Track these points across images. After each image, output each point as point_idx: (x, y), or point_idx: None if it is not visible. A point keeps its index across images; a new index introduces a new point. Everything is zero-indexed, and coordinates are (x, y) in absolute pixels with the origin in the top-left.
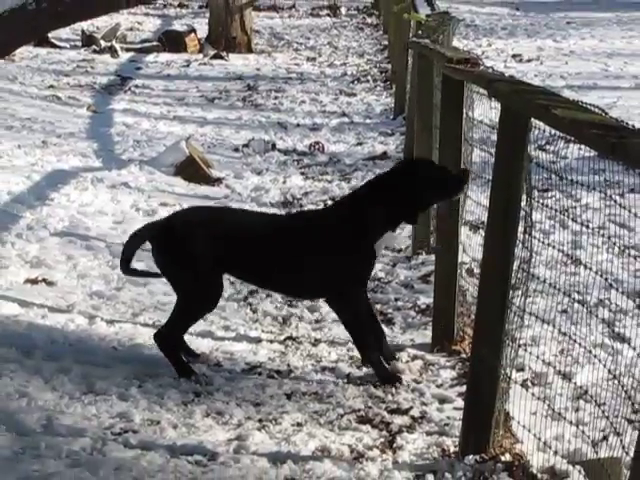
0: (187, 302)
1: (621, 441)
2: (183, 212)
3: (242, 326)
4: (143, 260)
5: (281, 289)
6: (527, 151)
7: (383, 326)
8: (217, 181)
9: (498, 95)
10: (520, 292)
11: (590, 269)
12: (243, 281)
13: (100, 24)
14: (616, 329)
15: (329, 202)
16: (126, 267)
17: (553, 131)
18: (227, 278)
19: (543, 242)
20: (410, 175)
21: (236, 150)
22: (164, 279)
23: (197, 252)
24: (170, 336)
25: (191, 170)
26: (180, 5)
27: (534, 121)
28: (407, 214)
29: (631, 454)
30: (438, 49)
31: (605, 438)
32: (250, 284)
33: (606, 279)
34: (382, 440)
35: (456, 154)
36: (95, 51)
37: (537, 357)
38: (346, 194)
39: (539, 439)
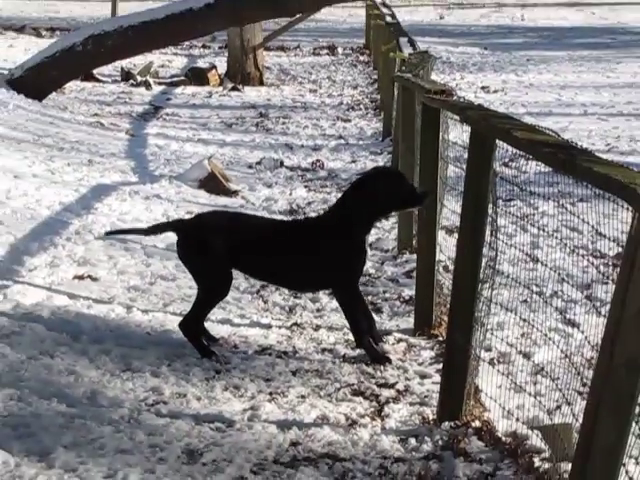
0: (205, 292)
1: (572, 410)
2: (206, 214)
3: (255, 314)
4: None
5: (286, 284)
6: (493, 167)
7: (373, 314)
8: (234, 193)
9: (469, 120)
10: (488, 285)
11: (546, 266)
12: (253, 277)
13: (136, 62)
14: (568, 316)
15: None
16: (143, 231)
17: (515, 150)
18: (243, 275)
19: (507, 243)
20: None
21: (250, 167)
22: (188, 274)
23: (215, 249)
24: (192, 323)
25: (212, 184)
26: (203, 46)
27: (499, 142)
28: (383, 212)
29: (580, 421)
30: (418, 82)
31: (559, 407)
32: (258, 280)
33: (559, 274)
34: (372, 410)
35: (434, 170)
36: (132, 85)
37: (502, 339)
38: (333, 203)
39: (504, 408)
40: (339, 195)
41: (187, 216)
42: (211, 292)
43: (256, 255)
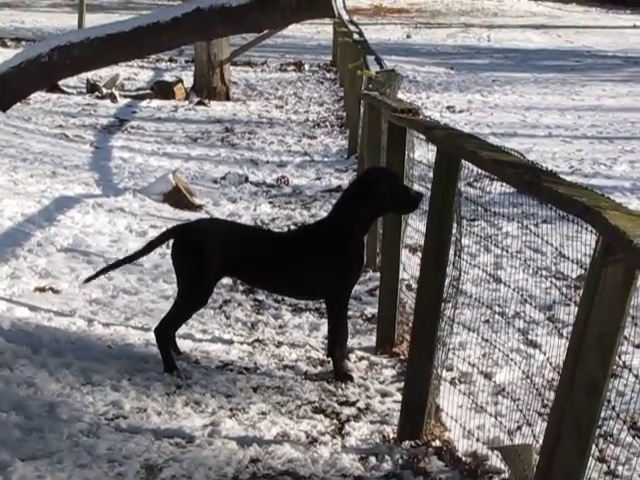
0: (187, 299)
1: (532, 430)
2: (206, 220)
3: (217, 330)
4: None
5: (285, 291)
6: (458, 187)
7: None
8: (198, 207)
9: (435, 140)
10: (450, 304)
11: (509, 286)
12: (250, 285)
13: (102, 74)
14: (529, 337)
15: (292, 227)
16: (137, 256)
17: (480, 170)
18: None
19: (470, 263)
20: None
21: (215, 182)
22: (151, 288)
23: (212, 255)
24: (167, 330)
25: (177, 198)
26: (170, 60)
27: (464, 162)
28: (380, 213)
29: (540, 442)
30: (385, 100)
31: (519, 428)
32: (256, 287)
33: (522, 295)
34: (333, 427)
35: None
36: (98, 97)
37: (464, 359)
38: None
39: (464, 428)
40: (303, 212)
41: (151, 230)
42: (193, 299)
43: (255, 263)
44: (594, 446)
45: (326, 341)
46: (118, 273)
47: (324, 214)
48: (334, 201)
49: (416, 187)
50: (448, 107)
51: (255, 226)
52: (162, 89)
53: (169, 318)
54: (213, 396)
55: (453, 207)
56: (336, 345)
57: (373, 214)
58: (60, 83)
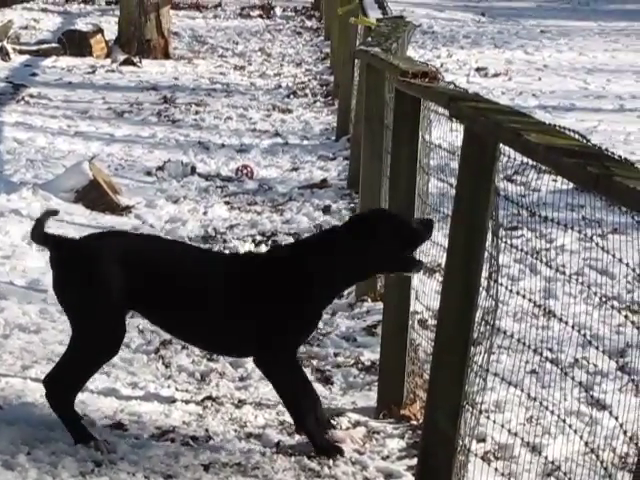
0: (85, 345)
1: None
2: (98, 234)
3: (152, 383)
4: None
5: (200, 341)
6: (494, 182)
7: (320, 387)
8: (125, 210)
9: (461, 116)
10: (483, 348)
11: (565, 322)
12: (158, 326)
13: None
14: (594, 394)
15: (258, 237)
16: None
17: (525, 159)
18: (135, 326)
19: (510, 290)
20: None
21: (149, 174)
22: (58, 324)
23: (108, 281)
24: (62, 386)
25: (94, 196)
26: (84, 0)
27: (502, 147)
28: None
29: None
30: (390, 60)
31: None
32: (165, 331)
33: (583, 335)
34: None
35: (410, 184)
36: None
37: (501, 426)
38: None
39: None
40: (273, 216)
41: None
42: (93, 346)
43: (166, 296)
44: None
45: None
46: (12, 303)
47: (303, 219)
48: (317, 201)
49: (434, 182)
50: (478, 69)
51: (177, 241)
52: (74, 42)
53: (63, 372)
54: (147, 477)
55: (487, 211)
56: (299, 415)
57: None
58: None
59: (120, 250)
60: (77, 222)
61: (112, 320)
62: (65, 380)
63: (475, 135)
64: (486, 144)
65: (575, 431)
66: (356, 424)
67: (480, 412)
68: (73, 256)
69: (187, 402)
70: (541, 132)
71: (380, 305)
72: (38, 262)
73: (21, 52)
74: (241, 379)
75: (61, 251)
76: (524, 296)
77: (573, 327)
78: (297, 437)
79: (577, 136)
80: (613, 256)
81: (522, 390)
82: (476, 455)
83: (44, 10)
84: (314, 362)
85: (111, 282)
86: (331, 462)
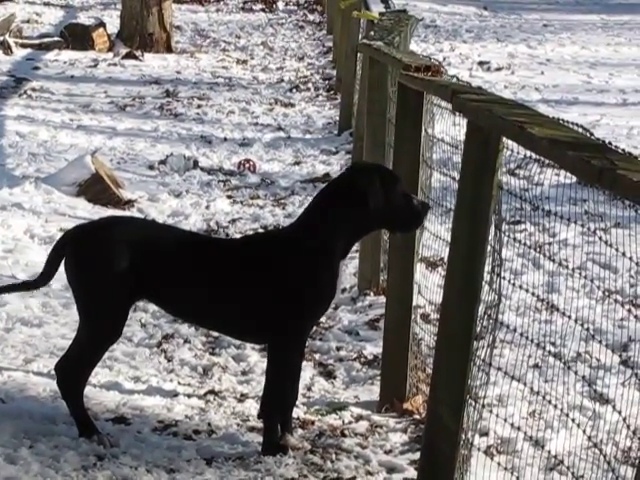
0: (89, 330)
1: None
2: (111, 218)
3: (155, 377)
4: None
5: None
6: (497, 176)
7: (322, 380)
8: (128, 204)
9: (464, 109)
10: (485, 343)
11: (568, 317)
12: (173, 314)
13: None
14: (597, 388)
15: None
16: (33, 285)
17: (528, 153)
18: (138, 320)
19: (513, 284)
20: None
21: (151, 168)
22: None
23: (118, 267)
24: (74, 372)
25: (97, 190)
26: None
27: (505, 140)
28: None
29: None
30: (393, 53)
31: None
32: (181, 319)
33: (586, 329)
34: None
35: (413, 178)
36: None
37: (504, 420)
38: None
39: None
40: (275, 210)
41: (60, 235)
42: (99, 330)
43: (180, 281)
44: None
45: (308, 393)
46: (14, 297)
47: None
48: None
49: (437, 176)
50: (481, 63)
51: (186, 230)
52: (76, 36)
53: (75, 357)
54: (149, 471)
55: (490, 205)
56: (273, 407)
57: (357, 229)
58: None
59: (132, 235)
60: (79, 216)
61: (115, 306)
62: (76, 365)
63: (478, 129)
64: (489, 138)
65: (578, 425)
66: (358, 418)
67: (483, 406)
68: (80, 242)
69: (189, 396)
70: (544, 126)
71: (383, 299)
72: (40, 256)
73: (23, 46)
74: (243, 373)
75: (70, 237)
76: (527, 290)
77: (576, 321)
78: (299, 431)
79: (580, 130)
80: (616, 250)
81: (525, 384)
82: (479, 449)
83: (46, 4)
84: (316, 356)
85: (120, 266)
86: (334, 457)
